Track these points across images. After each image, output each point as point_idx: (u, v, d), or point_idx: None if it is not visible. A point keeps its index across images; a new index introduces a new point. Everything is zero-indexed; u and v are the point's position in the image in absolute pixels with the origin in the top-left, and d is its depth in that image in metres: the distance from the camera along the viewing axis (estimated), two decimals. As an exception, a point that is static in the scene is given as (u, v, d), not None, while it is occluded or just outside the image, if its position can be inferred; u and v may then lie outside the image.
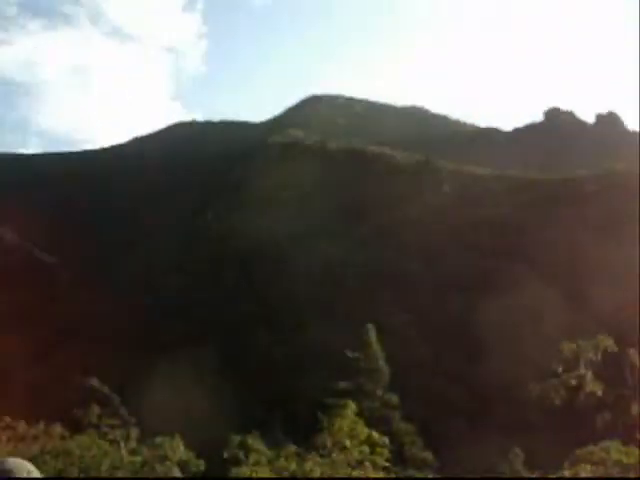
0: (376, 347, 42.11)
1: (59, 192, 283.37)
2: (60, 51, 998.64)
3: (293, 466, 13.48)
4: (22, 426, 15.08)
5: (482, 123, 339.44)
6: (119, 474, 13.94)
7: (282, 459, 13.99)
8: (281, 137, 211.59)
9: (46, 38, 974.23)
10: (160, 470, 12.78)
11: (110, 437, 13.90)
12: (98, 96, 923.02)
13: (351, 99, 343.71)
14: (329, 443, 11.34)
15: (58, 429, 15.31)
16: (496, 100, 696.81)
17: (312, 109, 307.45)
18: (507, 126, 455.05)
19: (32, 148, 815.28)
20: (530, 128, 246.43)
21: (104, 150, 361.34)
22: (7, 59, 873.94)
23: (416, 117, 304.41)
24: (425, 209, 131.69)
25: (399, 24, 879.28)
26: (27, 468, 2.71)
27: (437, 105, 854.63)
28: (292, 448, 14.06)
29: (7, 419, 12.68)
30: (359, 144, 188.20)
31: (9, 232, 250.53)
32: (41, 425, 15.66)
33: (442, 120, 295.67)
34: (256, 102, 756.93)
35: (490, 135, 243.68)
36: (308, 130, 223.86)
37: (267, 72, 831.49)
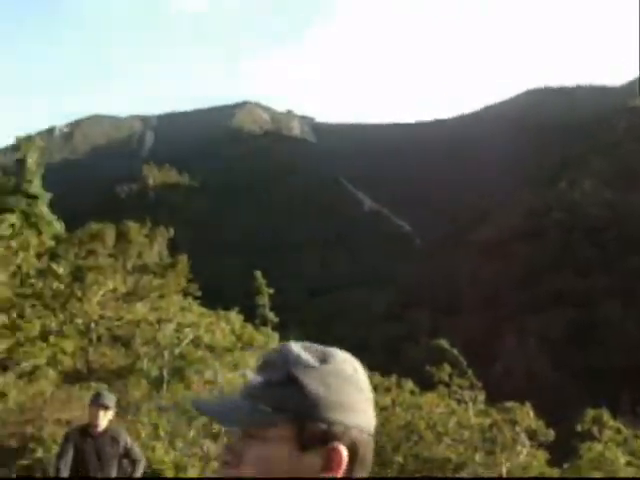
0: None
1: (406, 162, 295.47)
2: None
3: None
4: (377, 378, 16.16)
5: None
6: (466, 433, 14.16)
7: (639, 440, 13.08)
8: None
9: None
10: (508, 435, 12.71)
11: (458, 397, 14.21)
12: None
13: None
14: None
15: (409, 384, 16.06)
16: None
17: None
18: None
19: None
20: None
21: (454, 119, 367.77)
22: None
23: None
24: None
25: None
26: None
27: None
28: (647, 430, 13.08)
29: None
30: None
31: (368, 199, 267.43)
32: (393, 378, 16.56)
33: None
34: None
35: None
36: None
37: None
